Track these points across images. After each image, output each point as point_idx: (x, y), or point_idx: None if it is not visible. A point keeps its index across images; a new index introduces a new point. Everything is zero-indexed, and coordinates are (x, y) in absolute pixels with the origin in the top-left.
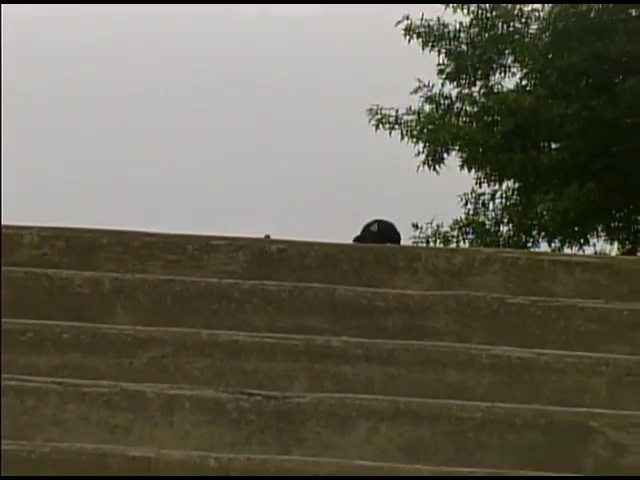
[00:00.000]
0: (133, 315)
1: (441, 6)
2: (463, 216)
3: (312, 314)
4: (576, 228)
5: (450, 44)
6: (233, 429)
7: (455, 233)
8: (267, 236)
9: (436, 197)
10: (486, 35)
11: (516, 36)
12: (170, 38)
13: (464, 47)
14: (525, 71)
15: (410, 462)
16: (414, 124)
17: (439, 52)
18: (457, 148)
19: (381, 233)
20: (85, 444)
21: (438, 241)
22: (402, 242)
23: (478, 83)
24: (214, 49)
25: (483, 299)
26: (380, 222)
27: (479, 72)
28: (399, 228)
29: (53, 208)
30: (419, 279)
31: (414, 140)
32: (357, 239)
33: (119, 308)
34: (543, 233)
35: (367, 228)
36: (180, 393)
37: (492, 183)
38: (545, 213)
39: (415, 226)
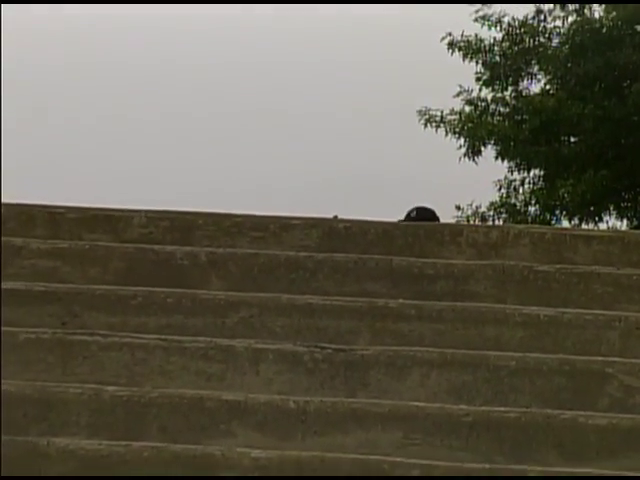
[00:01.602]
0: (225, 283)
1: (477, 24)
2: (498, 199)
3: (373, 281)
4: (592, 208)
5: (486, 56)
6: (308, 376)
7: (491, 213)
8: (335, 216)
9: (475, 183)
10: (516, 48)
11: (541, 49)
12: (171, 38)
13: (497, 58)
14: (548, 77)
15: (456, 403)
16: (456, 123)
17: (477, 62)
18: (492, 142)
19: (420, 219)
20: (186, 390)
21: (477, 220)
22: (447, 221)
23: (509, 88)
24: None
25: (516, 267)
26: (419, 209)
27: (510, 79)
28: (445, 210)
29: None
30: (462, 251)
31: (456, 136)
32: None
33: (213, 277)
34: (564, 212)
35: (408, 215)
36: (264, 347)
37: (522, 171)
38: (566, 196)
39: (458, 207)
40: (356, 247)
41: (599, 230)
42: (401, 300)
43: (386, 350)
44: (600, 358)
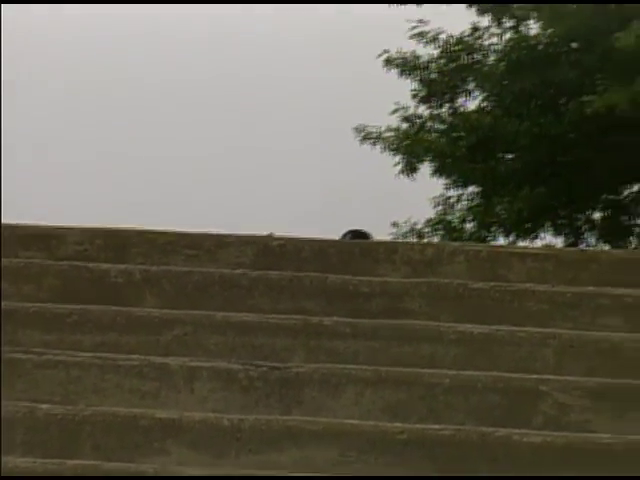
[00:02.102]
0: (159, 300)
1: (414, 41)
2: (434, 216)
3: (308, 298)
4: (528, 225)
5: (422, 73)
6: (243, 394)
7: (428, 230)
8: (270, 234)
9: (412, 200)
10: (452, 65)
11: (477, 66)
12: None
13: (434, 75)
14: (485, 94)
15: (390, 421)
16: (393, 139)
17: (413, 80)
18: (429, 159)
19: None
20: (120, 408)
21: (414, 237)
22: (384, 238)
23: (446, 105)
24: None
25: (450, 285)
26: (353, 232)
27: (447, 96)
28: (382, 227)
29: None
30: (397, 268)
31: (393, 153)
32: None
33: (148, 295)
34: (501, 229)
35: (343, 238)
36: (199, 365)
37: (458, 188)
38: (502, 213)
39: (394, 224)
40: (291, 265)
41: (533, 247)
42: (336, 318)
43: (321, 368)
44: (534, 376)
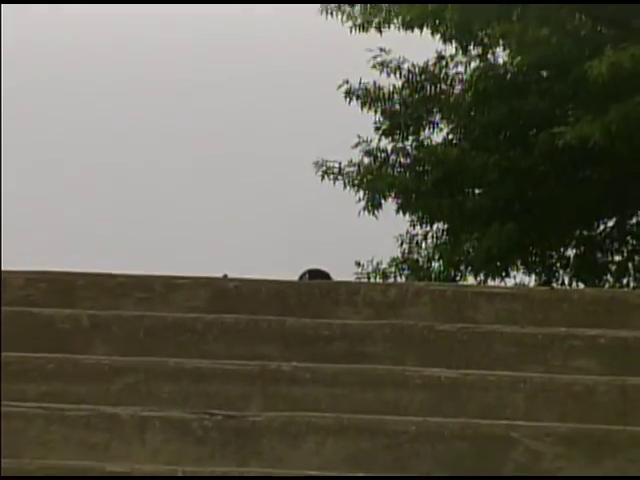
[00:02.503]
0: (109, 347)
1: (376, 71)
2: (399, 254)
3: (265, 343)
4: (498, 263)
5: (385, 104)
6: (198, 445)
7: (393, 269)
8: (225, 275)
9: (375, 238)
10: (416, 96)
11: (442, 96)
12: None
13: (397, 106)
14: (451, 127)
15: (353, 471)
16: (355, 174)
17: (375, 111)
18: (393, 195)
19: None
20: (67, 461)
21: (378, 277)
22: (347, 278)
23: (410, 138)
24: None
25: (415, 327)
26: (311, 271)
27: (411, 128)
28: (344, 266)
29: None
30: (359, 310)
31: (355, 188)
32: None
33: (97, 341)
34: (470, 268)
35: (300, 278)
36: (151, 414)
37: (424, 225)
38: (471, 250)
39: (358, 264)
40: (247, 307)
41: (502, 287)
42: (295, 363)
43: (279, 416)
44: (504, 422)
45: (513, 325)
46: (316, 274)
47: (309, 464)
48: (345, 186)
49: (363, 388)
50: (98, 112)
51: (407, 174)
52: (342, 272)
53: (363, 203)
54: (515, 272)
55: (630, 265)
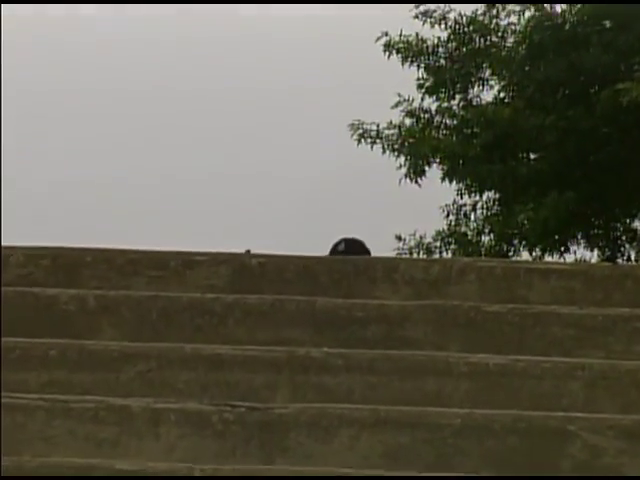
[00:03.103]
0: (118, 331)
1: (419, 21)
2: (445, 227)
3: (293, 326)
4: (556, 237)
5: (429, 59)
6: (218, 440)
7: (438, 244)
8: (247, 251)
9: (419, 209)
10: (464, 49)
11: (493, 49)
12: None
13: (442, 61)
14: (503, 84)
15: (391, 469)
16: (395, 138)
17: (418, 67)
18: (438, 161)
19: (349, 252)
20: (72, 458)
21: (421, 252)
22: (386, 254)
23: (457, 96)
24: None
25: (460, 308)
26: (347, 240)
27: (458, 86)
28: (383, 241)
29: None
30: (397, 289)
31: (395, 154)
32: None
33: (104, 324)
34: (524, 242)
35: (335, 248)
36: (165, 406)
37: (473, 194)
38: (525, 222)
39: (398, 238)
40: (272, 287)
41: (558, 263)
42: (326, 349)
43: (308, 408)
44: (561, 413)
45: (571, 305)
46: (352, 244)
47: (342, 461)
48: (384, 151)
49: (402, 376)
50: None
51: (454, 137)
52: (381, 247)
53: (404, 170)
54: (575, 247)
55: None
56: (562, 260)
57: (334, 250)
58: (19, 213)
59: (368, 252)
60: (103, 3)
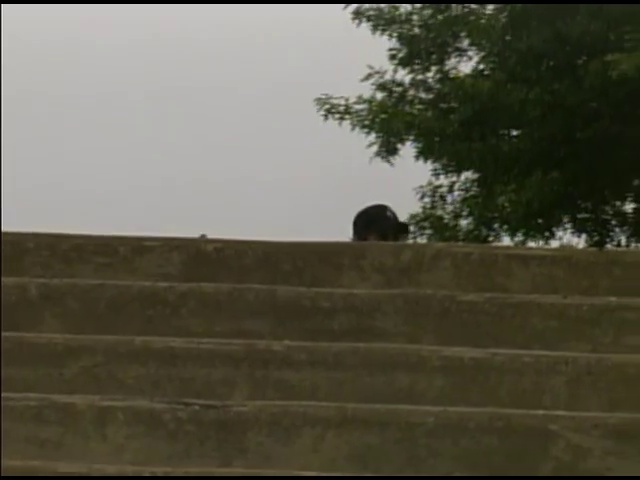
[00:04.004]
0: (62, 323)
1: None
2: (420, 210)
3: (252, 317)
4: (540, 220)
5: (402, 27)
6: (170, 441)
7: (412, 229)
8: (203, 235)
9: (391, 191)
10: (440, 17)
11: (472, 17)
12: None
13: (417, 30)
14: (482, 55)
15: (358, 471)
16: (365, 113)
17: (390, 36)
18: (412, 138)
19: (396, 219)
20: (12, 461)
21: None
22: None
23: (433, 68)
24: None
25: (433, 297)
26: (388, 207)
27: (433, 57)
28: (351, 225)
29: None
30: (366, 277)
31: (366, 130)
32: (369, 225)
33: (47, 315)
34: (505, 226)
35: (382, 214)
36: (113, 404)
37: (450, 174)
38: (506, 205)
39: None
40: (230, 275)
41: (539, 248)
42: (288, 341)
43: (269, 406)
44: (542, 412)
45: (553, 294)
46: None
47: (305, 463)
48: (353, 127)
49: (371, 371)
50: None
51: (429, 112)
52: (348, 232)
53: (375, 147)
54: (561, 231)
55: None
56: (547, 246)
57: (381, 216)
58: None
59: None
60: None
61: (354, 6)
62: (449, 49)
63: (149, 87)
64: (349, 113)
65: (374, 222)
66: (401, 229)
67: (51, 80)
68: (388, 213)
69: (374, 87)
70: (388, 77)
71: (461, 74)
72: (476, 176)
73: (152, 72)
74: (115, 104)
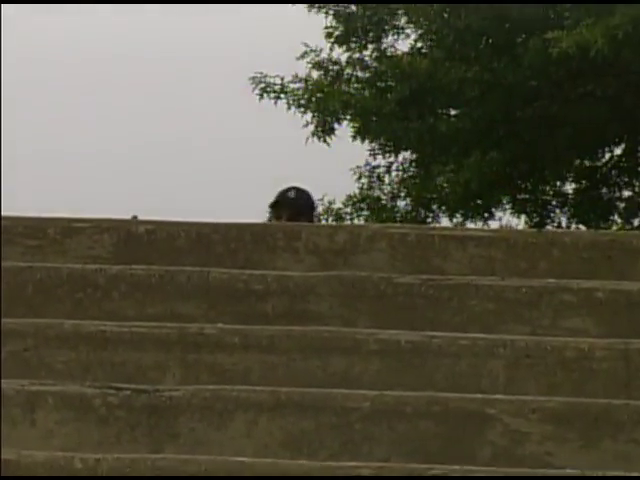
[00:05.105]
0: None
1: None
2: (357, 191)
3: (184, 300)
4: (479, 201)
5: (338, 5)
6: (101, 427)
7: (348, 210)
8: (134, 217)
9: (327, 171)
10: None
11: None
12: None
13: (353, 7)
14: (420, 32)
15: (293, 457)
16: (301, 93)
17: (326, 13)
18: (348, 117)
19: (298, 199)
20: None
21: (330, 219)
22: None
23: (370, 47)
24: None
25: (369, 279)
26: (297, 189)
27: (370, 34)
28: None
29: None
30: (300, 259)
31: (302, 110)
32: (273, 205)
33: None
34: (444, 208)
35: (284, 194)
36: (42, 389)
37: (387, 155)
38: (445, 186)
39: None
40: (162, 257)
41: (476, 229)
42: (220, 325)
43: (201, 390)
44: (480, 395)
45: (491, 276)
46: (301, 193)
47: (238, 448)
48: (289, 107)
49: (305, 355)
50: None
51: (366, 91)
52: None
53: (311, 127)
54: (501, 213)
55: None
56: (485, 227)
57: (283, 196)
58: None
59: (315, 203)
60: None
61: None
62: (386, 27)
63: None
64: (285, 92)
65: (276, 203)
66: (302, 212)
67: None
68: (289, 194)
69: (310, 65)
70: (324, 55)
71: (398, 52)
72: (414, 156)
73: None
74: None
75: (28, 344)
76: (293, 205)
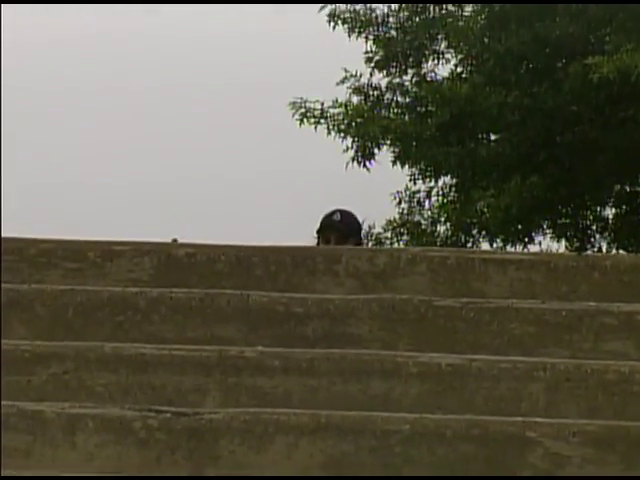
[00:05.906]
0: (31, 329)
1: None
2: (397, 216)
3: (224, 323)
4: (519, 226)
5: (378, 30)
6: (141, 449)
7: (388, 234)
8: (174, 240)
9: (367, 196)
10: (417, 19)
11: (449, 19)
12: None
13: (393, 32)
14: (460, 57)
15: None
16: (341, 117)
17: (367, 39)
18: (388, 142)
19: (343, 222)
20: None
21: (370, 243)
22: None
23: (409, 71)
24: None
25: (409, 302)
26: (342, 211)
27: (410, 59)
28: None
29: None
30: (340, 282)
31: (341, 135)
32: (319, 230)
33: (15, 321)
34: (484, 232)
35: (329, 218)
36: (83, 412)
37: (427, 179)
38: (485, 210)
39: None
40: (202, 280)
41: (517, 253)
42: (260, 348)
43: (241, 413)
44: (520, 419)
45: (531, 299)
46: (347, 214)
47: (278, 471)
48: (329, 132)
49: (345, 378)
50: None
51: (406, 116)
52: None
53: (351, 152)
54: (541, 237)
55: None
56: (526, 251)
57: (328, 220)
58: None
59: (360, 225)
60: None
61: (330, 8)
62: (426, 52)
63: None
64: (325, 117)
65: (322, 228)
66: (349, 234)
67: None
68: (335, 217)
69: (350, 91)
70: (364, 80)
71: (438, 77)
72: (454, 181)
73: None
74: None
75: (68, 367)
76: (340, 228)
